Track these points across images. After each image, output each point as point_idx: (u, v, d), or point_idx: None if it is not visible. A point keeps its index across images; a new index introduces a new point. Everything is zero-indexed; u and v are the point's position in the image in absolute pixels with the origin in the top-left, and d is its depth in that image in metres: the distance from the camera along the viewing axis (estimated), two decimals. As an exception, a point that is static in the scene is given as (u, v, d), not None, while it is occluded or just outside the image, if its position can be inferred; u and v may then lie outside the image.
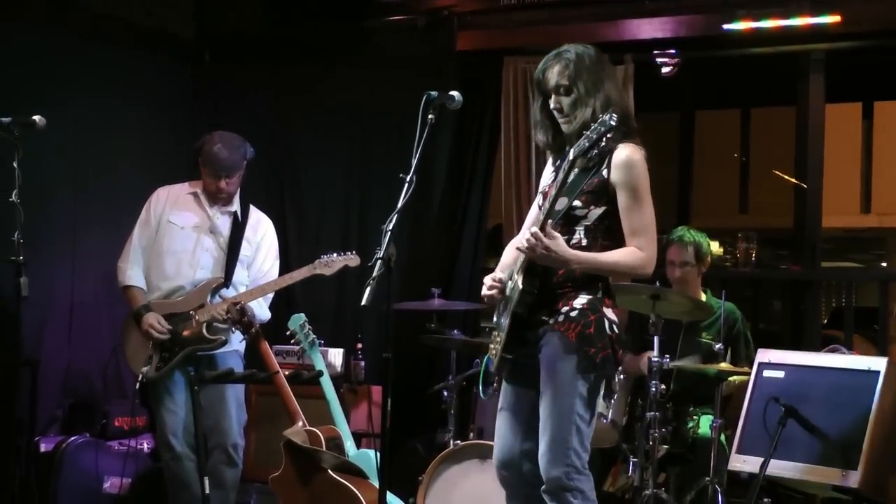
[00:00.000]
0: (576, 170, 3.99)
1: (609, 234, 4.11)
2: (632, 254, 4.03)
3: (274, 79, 7.79)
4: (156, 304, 5.70)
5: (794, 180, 7.90)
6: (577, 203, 4.04)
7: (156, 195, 5.88)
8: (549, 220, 3.96)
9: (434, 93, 4.14)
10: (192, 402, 4.87)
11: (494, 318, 4.26)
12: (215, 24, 7.92)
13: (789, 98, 7.60)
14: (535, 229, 3.90)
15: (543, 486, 4.03)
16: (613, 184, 4.04)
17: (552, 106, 4.16)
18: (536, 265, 4.02)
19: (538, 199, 4.29)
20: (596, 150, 3.90)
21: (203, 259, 5.76)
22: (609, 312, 4.10)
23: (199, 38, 7.89)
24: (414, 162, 4.02)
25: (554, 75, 4.13)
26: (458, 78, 7.05)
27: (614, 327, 4.10)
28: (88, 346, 6.82)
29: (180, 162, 7.30)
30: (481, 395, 4.68)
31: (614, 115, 3.85)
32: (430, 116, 4.09)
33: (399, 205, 3.98)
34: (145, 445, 6.53)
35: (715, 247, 11.08)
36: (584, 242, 4.08)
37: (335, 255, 5.70)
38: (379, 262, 3.88)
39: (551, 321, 4.07)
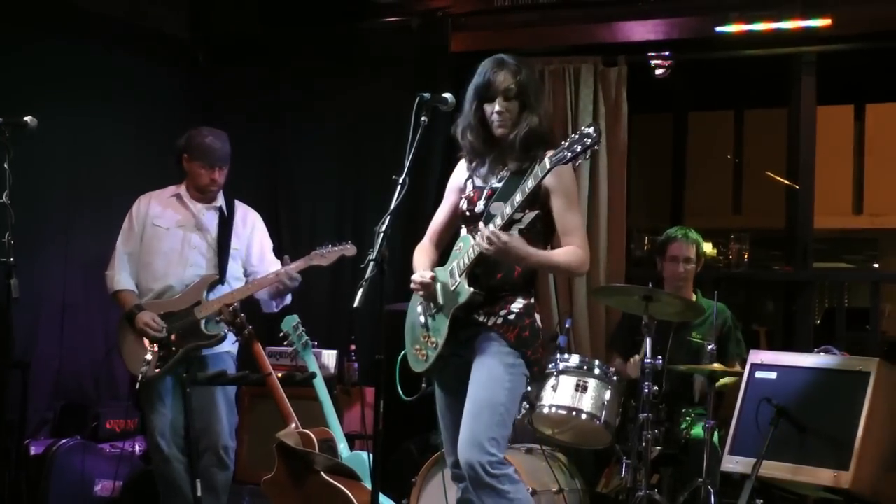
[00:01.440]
0: (530, 179, 4.01)
1: (539, 236, 4.24)
2: (574, 253, 4.17)
3: (268, 80, 7.78)
4: (150, 304, 5.70)
5: (786, 181, 7.91)
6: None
7: (137, 203, 5.90)
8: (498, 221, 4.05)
9: (427, 94, 4.16)
10: (184, 404, 4.86)
11: (419, 320, 4.31)
12: (210, 25, 7.91)
13: (782, 100, 7.62)
14: (493, 228, 3.97)
15: (470, 480, 4.05)
16: (547, 188, 4.14)
17: (497, 109, 4.21)
18: (478, 269, 4.11)
19: (463, 203, 4.34)
20: (580, 161, 3.96)
21: (192, 257, 5.77)
22: (538, 318, 4.27)
23: (194, 39, 7.88)
24: (406, 163, 4.03)
25: (503, 80, 4.20)
26: (451, 79, 7.05)
27: (540, 332, 4.27)
28: (80, 348, 6.80)
29: (174, 163, 7.30)
30: (404, 397, 4.68)
31: (596, 125, 3.93)
32: (422, 118, 4.11)
33: (392, 206, 3.99)
34: (137, 448, 6.49)
35: (708, 247, 11.11)
36: None
37: (331, 245, 5.72)
38: (371, 263, 3.89)
39: (489, 323, 4.16)
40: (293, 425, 5.44)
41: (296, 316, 5.78)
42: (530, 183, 3.97)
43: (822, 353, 5.32)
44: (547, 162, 3.94)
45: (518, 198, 4.00)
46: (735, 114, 14.33)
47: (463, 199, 4.33)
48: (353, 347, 6.86)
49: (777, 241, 10.81)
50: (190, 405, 4.84)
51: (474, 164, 4.34)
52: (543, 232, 4.23)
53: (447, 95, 4.20)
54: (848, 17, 6.64)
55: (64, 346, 6.77)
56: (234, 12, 7.90)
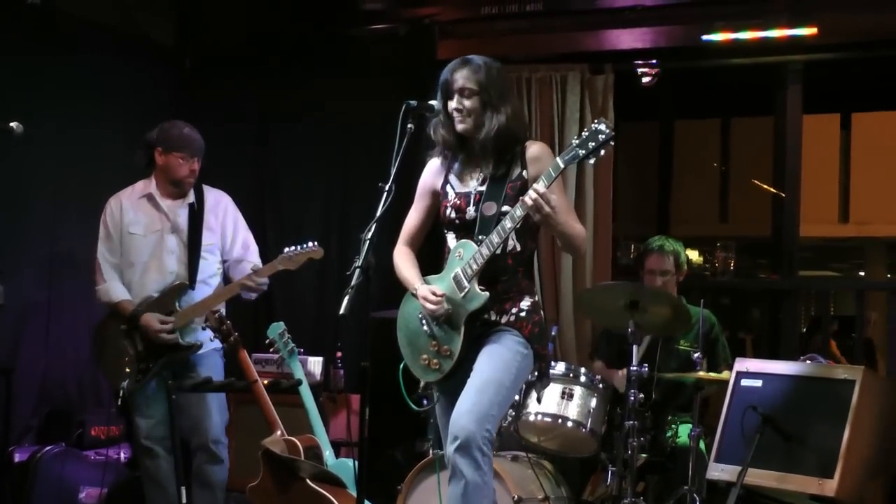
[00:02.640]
0: (542, 180, 4.00)
1: (532, 234, 4.29)
2: (581, 229, 4.25)
3: (256, 86, 7.77)
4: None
5: (772, 189, 7.94)
6: (505, 208, 4.14)
7: (108, 208, 5.82)
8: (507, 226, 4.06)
9: (413, 102, 4.18)
10: (169, 410, 4.85)
11: (421, 329, 4.29)
12: (197, 30, 7.90)
13: (768, 108, 7.65)
14: (541, 189, 3.93)
15: (457, 446, 4.03)
16: (536, 178, 4.10)
17: (454, 106, 4.25)
18: (487, 272, 4.11)
19: (450, 212, 4.31)
20: (594, 159, 3.99)
21: (169, 263, 5.73)
22: (543, 315, 4.33)
23: (181, 44, 7.87)
24: (393, 171, 4.05)
25: (461, 78, 4.25)
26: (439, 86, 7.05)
27: (546, 329, 4.38)
28: (65, 354, 6.78)
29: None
30: (414, 407, 4.65)
31: (607, 122, 3.96)
32: (409, 125, 4.13)
33: (378, 213, 4.00)
34: (122, 455, 6.49)
35: (694, 255, 11.14)
36: (518, 248, 4.23)
37: (297, 247, 5.64)
38: (358, 270, 3.89)
39: (503, 321, 4.20)
40: (279, 432, 5.43)
41: (282, 323, 5.77)
42: (541, 184, 3.94)
43: (807, 361, 5.34)
44: (560, 161, 3.96)
45: (527, 199, 3.97)
46: (721, 122, 14.40)
47: (448, 208, 4.31)
48: (339, 354, 6.85)
49: (763, 249, 10.88)
50: (175, 412, 4.82)
51: (447, 162, 4.36)
52: (532, 229, 4.26)
53: (433, 103, 4.22)
54: (834, 27, 6.66)
55: (48, 352, 6.75)
56: (221, 19, 7.90)
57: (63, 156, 6.80)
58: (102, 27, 7.19)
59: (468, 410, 4.05)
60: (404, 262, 4.49)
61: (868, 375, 4.77)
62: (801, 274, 7.74)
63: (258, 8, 7.77)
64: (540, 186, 3.94)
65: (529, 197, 3.94)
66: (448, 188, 4.36)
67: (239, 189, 6.24)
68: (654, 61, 7.09)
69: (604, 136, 3.93)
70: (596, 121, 3.98)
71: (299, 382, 5.51)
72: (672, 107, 9.24)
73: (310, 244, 5.64)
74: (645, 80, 7.11)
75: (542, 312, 4.29)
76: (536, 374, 4.35)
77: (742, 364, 5.17)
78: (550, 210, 3.94)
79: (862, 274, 16.77)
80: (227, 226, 5.88)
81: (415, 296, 4.31)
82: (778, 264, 7.31)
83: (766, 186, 11.16)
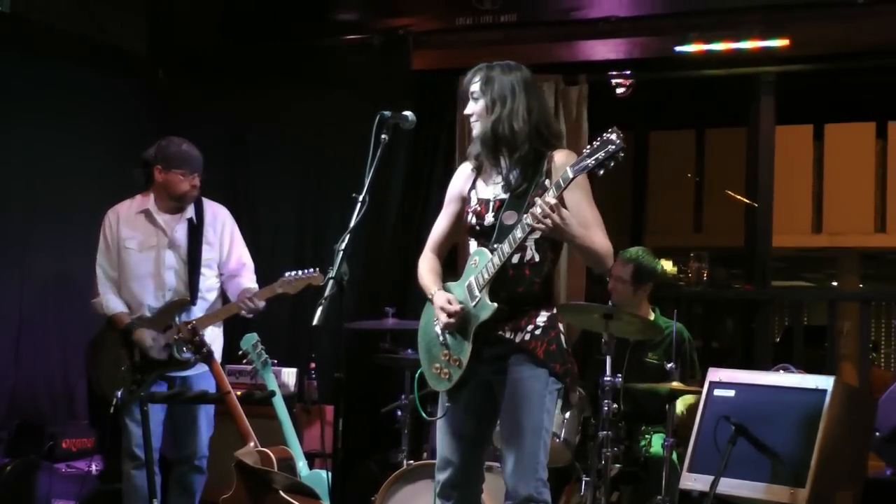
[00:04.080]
0: (552, 190, 3.93)
1: (554, 246, 4.18)
2: (604, 243, 4.10)
3: (229, 96, 7.77)
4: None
5: (745, 200, 7.98)
6: (521, 218, 4.04)
7: (107, 220, 5.81)
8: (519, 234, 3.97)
9: (387, 112, 4.16)
10: (142, 421, 4.84)
11: (437, 338, 4.23)
12: (170, 40, 7.89)
13: (741, 119, 7.69)
14: (550, 200, 3.86)
15: (512, 502, 4.05)
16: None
17: (465, 111, 4.26)
18: (497, 283, 4.04)
19: (471, 218, 4.24)
20: (604, 171, 3.86)
21: (168, 279, 5.71)
22: (561, 327, 4.20)
23: (153, 54, 7.86)
24: (366, 181, 4.03)
25: (469, 82, 4.25)
26: (413, 97, 7.08)
27: (565, 341, 4.20)
28: (36, 365, 6.76)
29: (140, 176, 7.26)
30: (425, 416, 4.62)
31: (618, 132, 3.85)
32: (383, 136, 4.11)
33: (351, 224, 3.98)
34: (93, 468, 6.46)
35: (668, 266, 11.19)
36: (537, 258, 4.12)
37: (298, 272, 5.64)
38: (331, 281, 3.88)
39: (517, 339, 4.10)
40: (252, 444, 5.43)
41: (255, 334, 5.78)
42: (550, 195, 3.88)
43: (780, 371, 5.37)
44: (569, 171, 3.87)
45: (535, 209, 3.89)
46: (696, 133, 14.47)
47: (470, 213, 4.25)
48: (312, 366, 6.86)
49: (737, 259, 10.92)
50: (147, 423, 4.81)
51: (476, 166, 4.31)
52: (553, 240, 4.13)
53: (408, 113, 4.21)
54: (806, 38, 6.70)
55: (20, 364, 6.72)
56: (193, 28, 7.89)
57: (34, 167, 6.78)
58: (74, 36, 7.18)
59: (513, 472, 4.06)
60: (425, 268, 4.37)
61: (839, 385, 4.81)
62: (775, 284, 7.79)
63: (231, 18, 7.77)
64: (548, 197, 3.87)
65: (535, 208, 3.87)
66: (472, 193, 4.30)
67: (211, 197, 6.23)
68: (628, 72, 7.13)
69: (614, 148, 3.81)
70: (609, 130, 3.87)
71: (273, 394, 5.51)
72: (646, 117, 9.29)
73: (311, 270, 5.62)
74: (619, 90, 7.14)
75: (559, 325, 4.18)
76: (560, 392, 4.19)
77: (715, 374, 5.20)
78: (559, 221, 3.85)
79: (835, 284, 16.86)
80: (225, 240, 5.88)
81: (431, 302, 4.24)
82: (751, 275, 7.35)
83: (739, 197, 11.22)
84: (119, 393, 5.47)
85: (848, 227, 14.84)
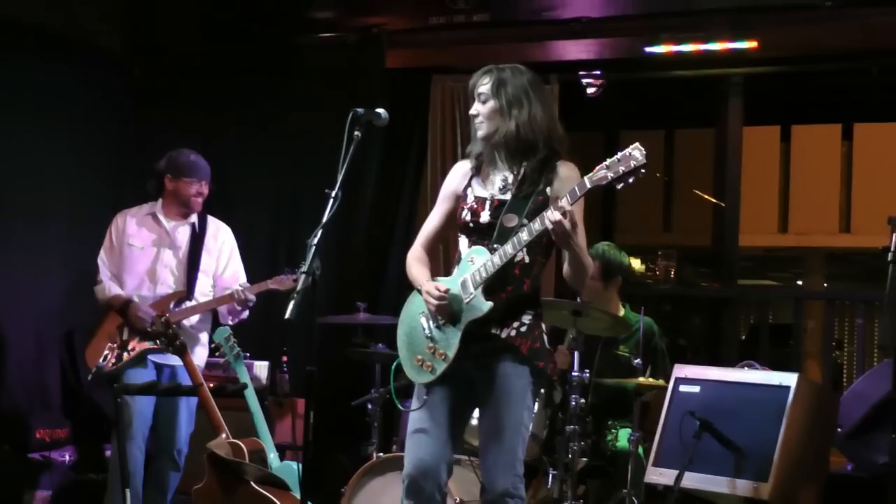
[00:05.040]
0: (566, 197, 3.93)
1: (545, 250, 4.22)
2: (590, 261, 4.19)
3: (205, 93, 7.75)
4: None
5: (713, 200, 8.02)
6: (525, 222, 4.06)
7: (115, 221, 6.02)
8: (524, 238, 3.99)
9: (360, 110, 4.16)
10: (115, 412, 4.84)
11: (422, 330, 4.22)
12: (146, 37, 7.86)
13: (710, 120, 7.73)
14: (566, 206, 3.85)
15: (489, 497, 4.09)
16: (557, 198, 4.04)
17: (471, 112, 4.24)
18: (493, 280, 4.06)
19: (466, 214, 4.24)
20: (622, 185, 3.88)
21: (163, 275, 5.90)
22: (544, 327, 4.26)
23: (130, 51, 7.82)
24: (340, 177, 4.04)
25: (479, 83, 4.22)
26: (387, 95, 7.09)
27: (547, 341, 4.26)
28: (10, 357, 6.71)
29: (108, 175, 7.23)
30: (401, 407, 4.60)
31: (641, 149, 3.83)
32: (356, 133, 4.11)
33: (324, 219, 3.99)
34: (67, 458, 6.45)
35: (637, 264, 11.23)
36: (528, 260, 4.15)
37: (291, 273, 5.78)
38: (303, 276, 3.89)
39: (503, 335, 4.12)
40: (224, 435, 5.42)
41: (228, 327, 5.78)
42: (566, 201, 3.87)
43: (744, 368, 5.40)
44: (587, 181, 3.88)
45: (553, 214, 3.87)
46: (666, 133, 14.51)
47: (465, 210, 4.25)
48: (284, 359, 6.86)
49: (705, 258, 10.97)
50: (121, 413, 4.82)
51: (475, 165, 4.31)
52: (546, 245, 4.19)
53: (380, 111, 4.21)
54: (774, 41, 6.75)
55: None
56: (170, 26, 7.86)
57: (7, 161, 6.73)
58: (50, 33, 7.12)
59: (492, 466, 4.09)
60: (417, 264, 4.36)
61: (803, 382, 4.85)
62: (741, 283, 7.83)
63: (207, 16, 7.74)
64: (565, 203, 3.87)
65: (553, 213, 3.86)
66: (469, 191, 4.30)
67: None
68: (598, 72, 7.16)
69: (636, 164, 3.80)
70: (633, 146, 3.84)
71: (245, 386, 5.51)
72: (616, 117, 9.31)
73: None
74: (590, 90, 7.17)
75: (542, 325, 4.23)
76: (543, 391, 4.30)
77: (681, 370, 5.24)
78: (569, 229, 3.87)
79: (800, 283, 16.93)
80: (224, 252, 6.09)
81: (420, 293, 4.24)
82: (719, 273, 7.40)
83: (707, 197, 11.27)
84: (101, 361, 5.69)
85: (814, 227, 14.90)
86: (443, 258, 5.74)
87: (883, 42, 6.48)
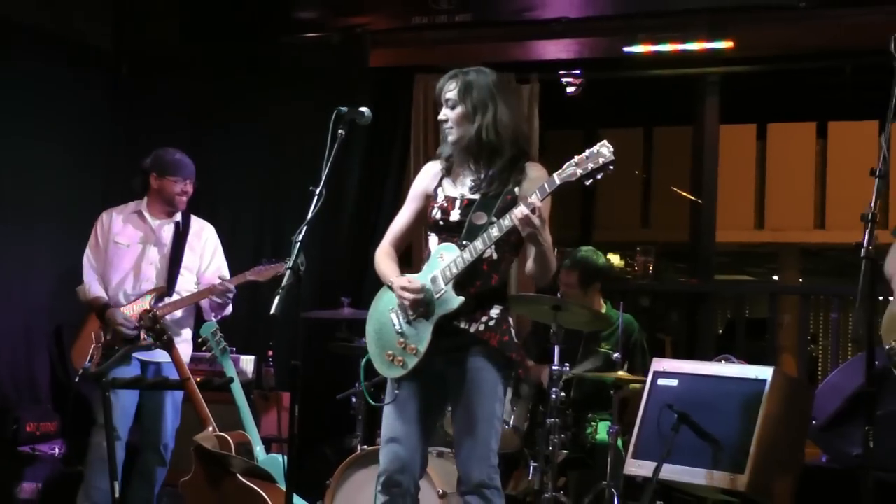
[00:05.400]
0: (535, 193, 3.94)
1: (512, 247, 4.21)
2: (554, 259, 4.18)
3: (191, 92, 7.74)
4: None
5: (691, 196, 8.04)
6: (494, 219, 4.07)
7: (100, 219, 5.98)
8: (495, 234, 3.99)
9: (344, 108, 4.16)
10: (103, 405, 4.82)
11: (392, 326, 4.22)
12: (134, 36, 7.85)
13: (688, 118, 7.74)
14: (536, 202, 3.87)
15: (465, 489, 4.10)
16: (525, 197, 4.04)
17: (440, 117, 4.25)
18: (465, 278, 4.06)
19: (436, 213, 4.25)
20: (591, 181, 3.89)
21: (147, 271, 5.88)
22: (512, 321, 4.24)
23: (118, 50, 7.80)
24: (323, 175, 4.04)
25: (446, 89, 4.23)
26: (370, 93, 7.09)
27: (516, 335, 4.26)
28: (0, 352, 6.70)
29: (96, 172, 7.21)
30: (373, 402, 4.55)
31: (608, 146, 3.86)
32: (340, 131, 4.11)
33: (308, 216, 3.99)
34: (56, 450, 6.44)
35: (616, 259, 11.25)
36: (496, 256, 4.15)
37: (269, 263, 5.80)
38: (288, 272, 3.89)
39: (472, 330, 4.12)
40: (210, 429, 5.42)
41: (214, 322, 5.76)
42: (536, 196, 3.89)
43: (721, 362, 5.42)
44: (556, 178, 3.90)
45: (520, 210, 3.89)
46: (644, 131, 14.54)
47: (435, 208, 4.26)
48: (270, 353, 6.86)
49: (682, 253, 10.99)
50: (110, 409, 4.79)
51: (444, 166, 4.32)
52: (514, 243, 4.18)
53: (364, 109, 4.20)
54: (750, 41, 6.76)
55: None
56: (158, 24, 7.84)
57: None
58: (39, 31, 7.09)
59: (467, 459, 4.09)
60: (384, 258, 4.38)
61: (779, 375, 4.87)
62: (718, 278, 7.85)
63: (194, 16, 7.72)
64: (535, 199, 3.89)
65: (522, 208, 3.88)
66: (439, 190, 4.30)
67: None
68: (578, 71, 7.16)
69: (604, 160, 3.84)
70: (601, 143, 3.89)
71: (231, 380, 5.49)
72: (596, 116, 9.32)
73: (281, 261, 5.67)
74: (569, 89, 7.17)
75: (510, 319, 4.22)
76: (512, 381, 4.29)
77: (659, 364, 5.25)
78: (539, 224, 3.89)
79: (776, 278, 16.98)
80: (207, 251, 6.06)
81: (391, 289, 4.23)
82: (696, 268, 7.41)
83: (685, 193, 11.30)
84: (87, 364, 5.67)
85: (789, 223, 14.96)
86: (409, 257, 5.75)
87: (856, 42, 6.50)
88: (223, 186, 7.62)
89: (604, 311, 6.15)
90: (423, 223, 4.38)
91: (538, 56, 7.20)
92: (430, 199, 4.34)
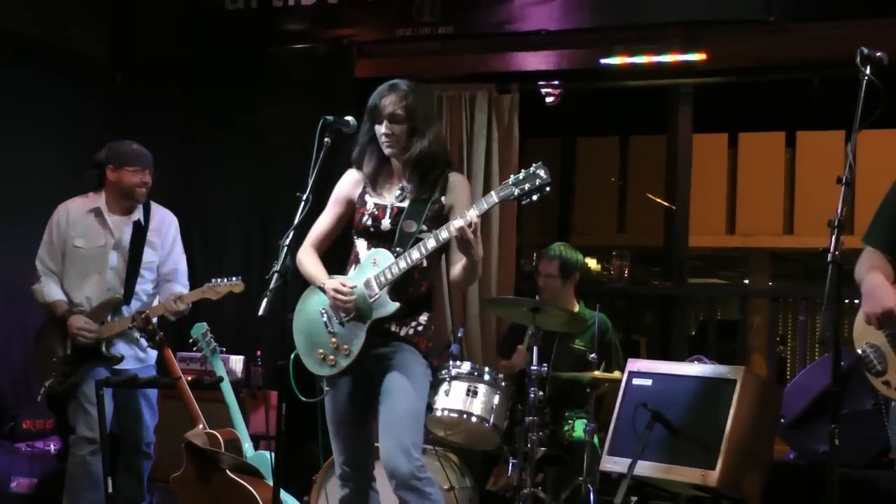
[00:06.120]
0: (477, 205, 3.99)
1: (439, 256, 4.28)
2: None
3: (183, 101, 7.70)
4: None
5: (665, 203, 8.05)
6: (424, 227, 4.16)
7: (56, 215, 5.72)
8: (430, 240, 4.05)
9: (330, 117, 4.19)
10: (97, 404, 4.81)
11: (322, 326, 4.24)
12: (128, 46, 7.82)
13: (662, 127, 7.75)
14: (474, 218, 3.92)
15: (396, 483, 4.09)
16: (451, 205, 4.20)
17: (383, 131, 4.22)
18: (398, 284, 4.12)
19: (366, 220, 4.27)
20: (527, 201, 3.96)
21: (110, 278, 5.63)
22: (433, 329, 4.33)
23: (112, 59, 7.77)
24: (310, 181, 4.06)
25: (390, 104, 4.21)
26: (356, 103, 7.07)
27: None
28: (-2, 351, 6.68)
29: (92, 178, 7.17)
30: (303, 398, 4.51)
31: (545, 168, 3.92)
32: (326, 139, 4.14)
33: (295, 221, 4.01)
34: (52, 447, 6.42)
35: (593, 263, 11.26)
36: (425, 264, 4.20)
37: (222, 280, 5.62)
38: (276, 275, 3.90)
39: (402, 333, 4.20)
40: (201, 426, 5.42)
41: (205, 323, 5.75)
42: (474, 212, 3.93)
43: (694, 362, 5.43)
44: (494, 195, 3.96)
45: (458, 223, 3.94)
46: (620, 139, 14.56)
47: (366, 216, 4.27)
48: (258, 353, 6.84)
49: (656, 257, 11.02)
50: (103, 406, 4.77)
51: (369, 174, 4.32)
52: (440, 250, 4.20)
53: (349, 118, 4.24)
54: (723, 53, 6.77)
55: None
56: (152, 34, 7.82)
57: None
58: (33, 40, 7.06)
59: (396, 449, 4.08)
60: (310, 259, 4.40)
61: (748, 375, 4.88)
62: (691, 281, 7.86)
63: (186, 26, 7.71)
64: (472, 214, 3.93)
65: (460, 223, 3.92)
66: (367, 197, 4.32)
67: (164, 200, 6.18)
68: (556, 82, 7.18)
69: (540, 182, 3.90)
70: (536, 164, 3.94)
71: (221, 379, 5.49)
72: (574, 125, 9.34)
73: (234, 279, 5.60)
74: (548, 99, 7.19)
75: (433, 327, 4.29)
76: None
77: (633, 364, 5.27)
78: (473, 238, 3.95)
79: (746, 282, 17.04)
80: (167, 245, 5.80)
81: (321, 290, 4.24)
82: (669, 272, 7.42)
83: (659, 200, 11.31)
84: (48, 382, 5.54)
85: (759, 228, 15.01)
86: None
87: (823, 55, 6.51)
88: (213, 192, 7.60)
89: (577, 310, 6.15)
90: (344, 227, 4.43)
91: (518, 67, 7.20)
92: (354, 205, 4.36)
